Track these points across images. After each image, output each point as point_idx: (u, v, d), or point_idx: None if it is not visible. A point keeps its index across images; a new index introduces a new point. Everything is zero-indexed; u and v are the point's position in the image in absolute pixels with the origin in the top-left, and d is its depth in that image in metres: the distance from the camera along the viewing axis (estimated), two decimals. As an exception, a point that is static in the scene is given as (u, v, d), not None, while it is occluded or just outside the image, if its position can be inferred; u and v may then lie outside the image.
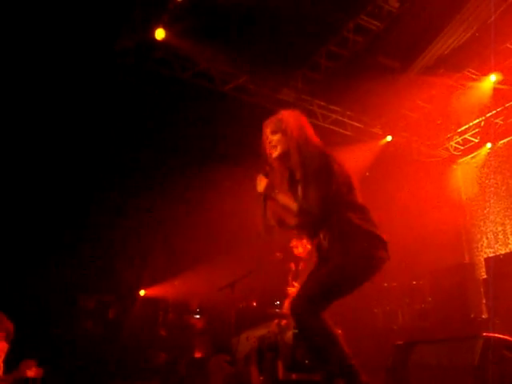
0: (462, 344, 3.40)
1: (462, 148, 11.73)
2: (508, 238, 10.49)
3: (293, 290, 6.07)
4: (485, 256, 10.39)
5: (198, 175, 9.69)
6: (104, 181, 9.51)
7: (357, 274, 3.22)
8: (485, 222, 11.14)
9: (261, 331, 5.87)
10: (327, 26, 8.19)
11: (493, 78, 9.33)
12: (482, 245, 11.17)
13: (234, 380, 5.79)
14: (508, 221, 10.55)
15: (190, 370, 6.45)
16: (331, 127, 10.25)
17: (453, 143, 11.68)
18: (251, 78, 9.27)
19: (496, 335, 3.26)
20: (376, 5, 7.91)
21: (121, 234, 10.23)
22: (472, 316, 8.17)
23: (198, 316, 9.47)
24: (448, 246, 10.67)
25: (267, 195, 3.43)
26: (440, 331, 7.74)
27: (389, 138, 10.99)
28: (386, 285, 9.70)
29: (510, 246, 10.39)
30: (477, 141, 11.38)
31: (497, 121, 10.67)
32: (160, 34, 7.77)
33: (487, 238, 11.04)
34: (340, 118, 10.41)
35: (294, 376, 5.13)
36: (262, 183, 3.44)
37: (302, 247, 6.16)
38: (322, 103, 10.07)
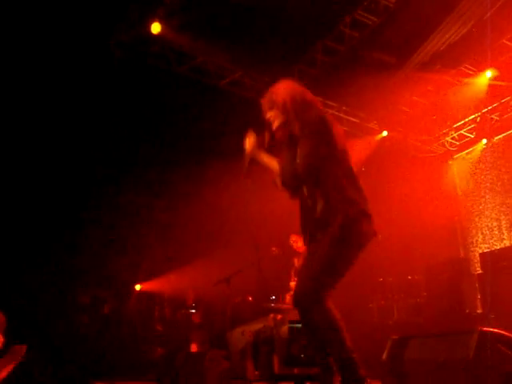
0: (456, 338, 3.41)
1: (458, 143, 11.75)
2: (503, 233, 10.53)
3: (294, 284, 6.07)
4: (480, 251, 10.42)
5: (194, 170, 9.68)
6: (101, 176, 9.49)
7: (343, 252, 3.18)
8: (480, 218, 11.18)
9: (256, 326, 5.88)
10: (324, 21, 8.19)
11: (489, 74, 9.34)
12: (477, 240, 11.21)
13: (229, 374, 5.79)
14: (503, 216, 10.59)
15: (186, 364, 6.45)
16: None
17: (448, 139, 11.70)
18: (247, 73, 9.26)
19: (491, 329, 3.28)
20: (372, 0, 7.90)
21: (117, 229, 10.22)
22: (467, 311, 8.19)
23: (193, 311, 9.48)
24: (443, 241, 10.70)
25: (252, 155, 3.51)
26: (435, 326, 7.76)
27: (384, 133, 11.00)
28: (381, 280, 9.72)
29: (504, 241, 10.42)
30: (472, 136, 11.40)
31: (492, 116, 10.69)
32: (156, 28, 7.75)
33: (482, 234, 11.08)
34: (336, 113, 10.40)
35: (289, 370, 5.14)
36: (249, 141, 3.51)
37: (301, 242, 6.16)
38: (319, 98, 10.02)
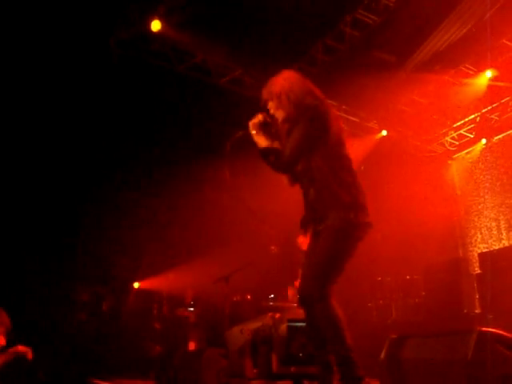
0: (455, 338, 3.41)
1: (457, 143, 11.76)
2: (502, 233, 10.54)
3: None
4: (478, 251, 10.43)
5: (193, 168, 9.67)
6: (100, 174, 9.48)
7: (341, 248, 3.21)
8: (479, 218, 11.19)
9: (255, 324, 5.88)
10: (324, 20, 8.18)
11: (488, 74, 9.34)
12: (475, 240, 11.22)
13: (227, 373, 5.80)
14: (502, 216, 10.59)
15: (184, 362, 6.46)
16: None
17: (448, 138, 11.70)
18: (247, 71, 9.25)
19: (490, 330, 3.28)
20: (373, -1, 7.91)
21: (116, 226, 10.21)
22: (465, 311, 8.20)
23: (192, 309, 9.47)
24: (442, 241, 10.71)
25: (250, 128, 3.53)
26: (433, 326, 7.77)
27: (384, 133, 11.00)
28: (379, 279, 9.73)
29: (503, 241, 10.44)
30: (472, 136, 11.41)
31: (492, 116, 10.70)
32: (156, 25, 7.75)
33: (481, 234, 11.08)
34: (336, 112, 10.40)
35: (288, 369, 5.15)
36: (255, 119, 3.53)
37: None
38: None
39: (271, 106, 3.53)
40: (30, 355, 5.59)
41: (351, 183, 3.28)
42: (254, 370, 5.52)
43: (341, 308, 3.15)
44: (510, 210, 10.43)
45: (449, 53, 8.64)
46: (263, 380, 5.28)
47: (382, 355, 3.91)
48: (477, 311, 8.20)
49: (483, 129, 10.96)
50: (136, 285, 10.72)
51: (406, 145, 11.44)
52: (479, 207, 11.21)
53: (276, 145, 3.47)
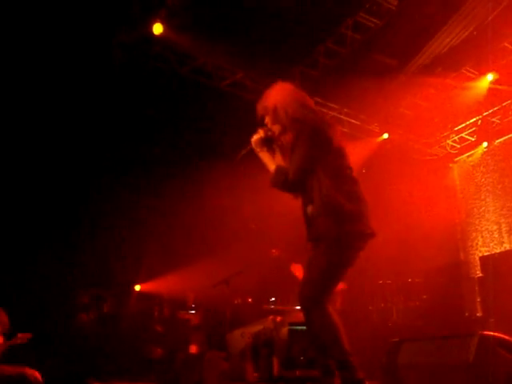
0: (456, 342, 3.41)
1: (459, 146, 11.75)
2: (503, 236, 10.53)
3: None
4: (480, 254, 10.42)
5: (194, 171, 9.68)
6: (101, 176, 9.49)
7: (338, 261, 3.23)
8: (480, 221, 11.18)
9: (256, 327, 5.88)
10: (326, 23, 8.19)
11: (490, 78, 9.34)
12: (477, 243, 11.20)
13: (228, 376, 5.79)
14: (503, 219, 10.58)
15: (185, 365, 6.46)
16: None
17: (449, 141, 11.69)
18: (248, 75, 9.26)
19: (491, 333, 3.28)
20: (375, 2, 7.91)
21: (117, 229, 10.22)
22: (467, 314, 8.20)
23: (193, 312, 9.47)
24: (443, 244, 10.70)
25: (254, 148, 3.56)
26: (435, 329, 7.76)
27: (385, 136, 11.00)
28: (380, 282, 9.72)
29: (505, 244, 10.42)
30: (473, 139, 11.40)
31: (493, 120, 10.69)
32: (158, 28, 7.76)
33: (482, 237, 11.07)
34: (337, 115, 10.41)
35: (289, 372, 5.14)
36: (256, 136, 3.55)
37: (301, 271, 6.16)
38: (320, 100, 10.06)
39: (268, 120, 3.54)
40: (25, 339, 5.71)
41: (352, 194, 3.29)
42: (255, 374, 5.51)
43: (338, 314, 3.19)
44: (512, 214, 10.44)
45: (450, 56, 8.64)
46: (264, 383, 5.27)
47: (384, 358, 3.91)
48: (478, 314, 8.20)
49: (484, 132, 10.95)
50: (137, 287, 10.72)
51: (408, 148, 11.43)
52: (480, 210, 11.20)
53: (279, 159, 3.50)
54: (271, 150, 3.54)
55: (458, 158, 11.97)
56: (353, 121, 10.65)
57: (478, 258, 9.77)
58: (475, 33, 8.09)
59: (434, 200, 11.07)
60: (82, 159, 9.13)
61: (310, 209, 3.33)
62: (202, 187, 9.62)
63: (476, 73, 9.42)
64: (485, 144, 11.15)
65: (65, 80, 7.93)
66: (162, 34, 7.85)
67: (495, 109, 10.37)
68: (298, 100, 3.53)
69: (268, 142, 3.54)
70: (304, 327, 3.36)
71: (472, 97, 9.79)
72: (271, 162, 3.49)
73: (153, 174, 10.10)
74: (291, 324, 5.35)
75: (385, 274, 9.83)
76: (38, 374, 5.53)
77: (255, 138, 3.54)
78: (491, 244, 10.79)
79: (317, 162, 3.28)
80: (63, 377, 7.72)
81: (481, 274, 8.42)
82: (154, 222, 10.69)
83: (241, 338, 5.88)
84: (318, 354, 3.31)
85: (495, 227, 10.76)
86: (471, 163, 11.63)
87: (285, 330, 5.43)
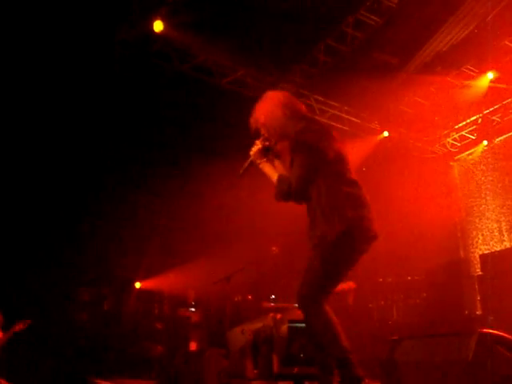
0: (456, 340, 3.42)
1: (459, 145, 11.75)
2: (503, 234, 10.53)
3: None
4: (480, 252, 10.42)
5: (195, 169, 9.68)
6: (101, 175, 9.50)
7: (336, 264, 3.25)
8: (480, 219, 11.18)
9: (256, 325, 5.88)
10: (326, 21, 8.18)
11: (490, 76, 9.34)
12: (477, 241, 11.20)
13: (228, 373, 5.80)
14: (503, 218, 10.59)
15: (185, 362, 6.46)
16: (329, 122, 10.25)
17: (450, 140, 11.70)
18: (249, 72, 9.26)
19: (490, 331, 3.28)
20: (375, 0, 7.90)
21: (117, 226, 10.23)
22: (466, 312, 8.21)
23: (193, 309, 9.48)
24: (443, 243, 10.70)
25: (254, 160, 3.57)
26: (434, 327, 7.77)
27: (386, 134, 10.99)
28: (381, 280, 9.73)
29: (505, 242, 10.42)
30: (474, 138, 11.40)
31: (494, 118, 10.69)
32: (158, 26, 7.75)
33: (482, 235, 11.07)
34: (338, 113, 10.41)
35: (288, 369, 5.15)
36: (254, 148, 3.56)
37: None
38: (320, 98, 10.07)
39: (262, 133, 3.56)
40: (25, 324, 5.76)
41: (354, 199, 3.29)
42: (255, 371, 5.52)
43: (335, 312, 3.20)
44: (512, 212, 10.44)
45: (451, 54, 8.64)
46: (264, 380, 5.28)
47: (384, 356, 3.92)
48: (478, 312, 8.21)
49: (485, 130, 10.95)
50: (137, 285, 10.74)
51: (408, 146, 11.43)
52: (481, 208, 11.21)
53: (280, 168, 3.52)
54: (271, 160, 3.56)
55: (458, 156, 11.97)
56: (353, 119, 10.64)
57: (478, 256, 9.78)
58: (476, 31, 8.08)
59: (434, 198, 11.06)
60: (82, 158, 9.13)
61: (312, 216, 3.34)
62: (201, 185, 9.63)
63: (476, 71, 9.42)
64: (485, 142, 11.15)
65: (65, 78, 7.93)
66: (162, 31, 7.84)
67: (495, 107, 10.36)
68: (286, 113, 3.50)
69: (267, 152, 3.56)
70: (303, 324, 3.38)
71: (472, 95, 9.79)
72: (273, 172, 3.51)
73: (153, 172, 10.10)
74: (291, 321, 5.34)
75: (385, 272, 9.84)
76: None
77: (254, 150, 3.56)
78: (491, 242, 10.79)
79: (316, 171, 3.29)
80: (64, 374, 7.74)
81: (481, 272, 8.43)
82: (154, 220, 10.71)
83: (241, 335, 5.88)
84: (317, 352, 3.32)
85: (495, 225, 10.77)
86: (471, 161, 11.63)
87: (284, 328, 5.43)
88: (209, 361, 5.97)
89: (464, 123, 11.13)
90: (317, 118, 10.00)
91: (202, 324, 9.31)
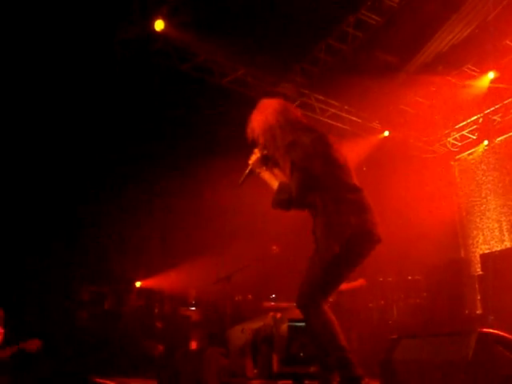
0: (455, 339, 3.41)
1: (460, 144, 11.76)
2: (504, 234, 10.54)
3: None
4: (480, 252, 10.43)
5: (195, 168, 9.67)
6: (101, 174, 9.49)
7: (341, 263, 3.25)
8: (481, 219, 11.19)
9: (256, 324, 5.88)
10: (327, 20, 8.18)
11: (491, 76, 9.34)
12: (477, 241, 11.21)
13: (228, 372, 5.80)
14: (504, 217, 10.59)
15: (185, 361, 6.46)
16: (329, 121, 10.27)
17: (450, 139, 11.70)
18: (250, 71, 9.26)
19: (490, 331, 3.28)
20: (376, -1, 7.91)
21: (117, 225, 10.22)
22: (467, 312, 8.21)
23: (193, 308, 9.49)
24: (444, 242, 10.70)
25: (254, 169, 3.59)
26: (434, 326, 7.77)
27: (386, 133, 11.00)
28: (381, 279, 9.72)
29: (505, 242, 10.43)
30: (474, 137, 11.40)
31: (494, 118, 10.69)
32: (159, 25, 7.75)
33: (483, 235, 11.08)
34: (338, 113, 10.42)
35: (288, 369, 5.15)
36: (253, 157, 3.58)
37: None
38: (321, 97, 10.07)
39: (260, 143, 3.56)
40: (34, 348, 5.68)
41: (356, 204, 3.28)
42: (255, 370, 5.53)
43: (333, 312, 3.22)
44: (512, 211, 10.44)
45: (452, 54, 8.64)
46: (264, 380, 5.28)
47: (383, 355, 3.91)
48: (478, 312, 8.21)
49: (485, 130, 10.96)
50: (138, 284, 10.73)
51: (408, 145, 11.43)
52: (481, 208, 11.21)
53: (280, 175, 3.52)
54: (270, 168, 3.57)
55: (458, 156, 11.98)
56: (354, 118, 10.65)
57: (478, 256, 9.78)
58: (477, 31, 8.09)
59: (434, 198, 11.06)
60: (82, 157, 9.13)
61: (317, 224, 3.34)
62: (202, 184, 9.63)
63: (477, 71, 9.42)
64: (486, 142, 11.15)
65: (66, 77, 7.93)
66: (163, 30, 7.84)
67: (496, 107, 10.37)
68: (281, 121, 3.49)
69: (266, 160, 3.57)
70: (303, 324, 3.39)
71: (473, 95, 9.80)
72: (273, 180, 3.53)
73: (153, 171, 10.10)
74: (291, 320, 5.34)
75: (385, 271, 9.83)
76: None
77: (253, 158, 3.57)
78: (492, 242, 10.80)
79: (317, 178, 3.29)
80: (64, 373, 7.74)
81: (481, 272, 8.43)
82: (155, 219, 10.71)
83: (241, 334, 5.88)
84: (316, 352, 3.33)
85: (496, 225, 10.78)
86: (472, 161, 11.63)
87: (284, 327, 5.43)
88: (209, 360, 5.96)
89: (465, 123, 11.13)
90: (317, 116, 10.03)
91: (202, 323, 9.31)
